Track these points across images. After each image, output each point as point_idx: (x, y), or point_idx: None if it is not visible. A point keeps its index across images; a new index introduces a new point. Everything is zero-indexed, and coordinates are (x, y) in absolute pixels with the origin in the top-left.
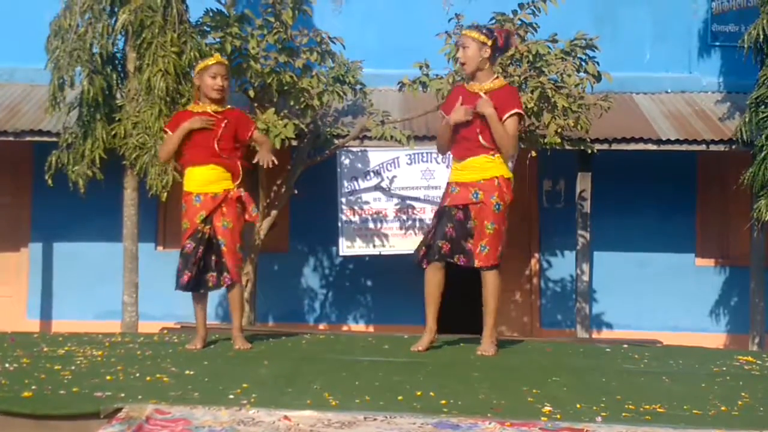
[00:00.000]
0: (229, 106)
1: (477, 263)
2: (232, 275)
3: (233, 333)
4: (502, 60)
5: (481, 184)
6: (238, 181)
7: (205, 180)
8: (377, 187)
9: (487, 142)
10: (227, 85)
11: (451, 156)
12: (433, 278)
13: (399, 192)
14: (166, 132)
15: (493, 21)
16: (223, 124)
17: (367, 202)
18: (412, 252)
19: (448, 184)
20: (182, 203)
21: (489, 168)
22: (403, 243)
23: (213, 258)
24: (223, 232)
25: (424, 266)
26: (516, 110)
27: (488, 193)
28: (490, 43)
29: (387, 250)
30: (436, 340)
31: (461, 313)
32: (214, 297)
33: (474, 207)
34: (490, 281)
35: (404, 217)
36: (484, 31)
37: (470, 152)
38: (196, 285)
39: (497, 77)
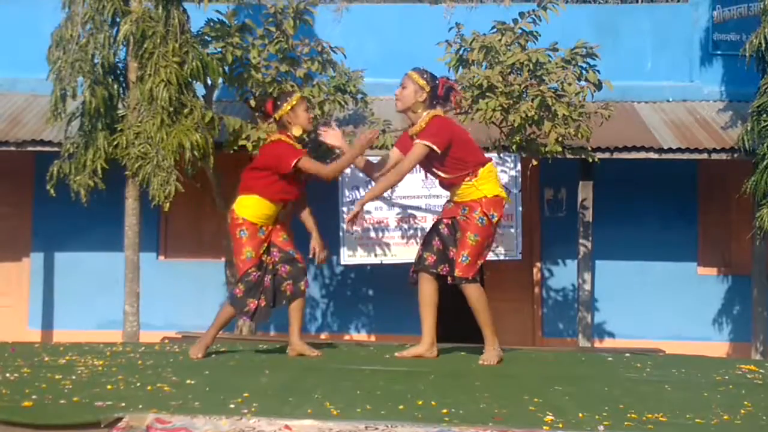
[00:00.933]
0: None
1: (457, 272)
2: (306, 280)
3: (298, 342)
4: (502, 69)
5: (468, 203)
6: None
7: (273, 215)
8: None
9: (450, 173)
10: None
11: None
12: (424, 288)
13: (400, 201)
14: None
15: (494, 30)
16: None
17: (368, 212)
18: (414, 262)
19: (447, 201)
20: (240, 229)
21: (471, 192)
22: (405, 252)
23: (286, 267)
24: (287, 243)
25: (413, 277)
26: (419, 141)
27: (473, 209)
28: (428, 89)
29: (389, 260)
30: (434, 354)
31: (462, 322)
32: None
33: (462, 221)
34: (471, 295)
35: (405, 226)
36: (425, 76)
37: (449, 188)
38: (268, 310)
39: (427, 113)
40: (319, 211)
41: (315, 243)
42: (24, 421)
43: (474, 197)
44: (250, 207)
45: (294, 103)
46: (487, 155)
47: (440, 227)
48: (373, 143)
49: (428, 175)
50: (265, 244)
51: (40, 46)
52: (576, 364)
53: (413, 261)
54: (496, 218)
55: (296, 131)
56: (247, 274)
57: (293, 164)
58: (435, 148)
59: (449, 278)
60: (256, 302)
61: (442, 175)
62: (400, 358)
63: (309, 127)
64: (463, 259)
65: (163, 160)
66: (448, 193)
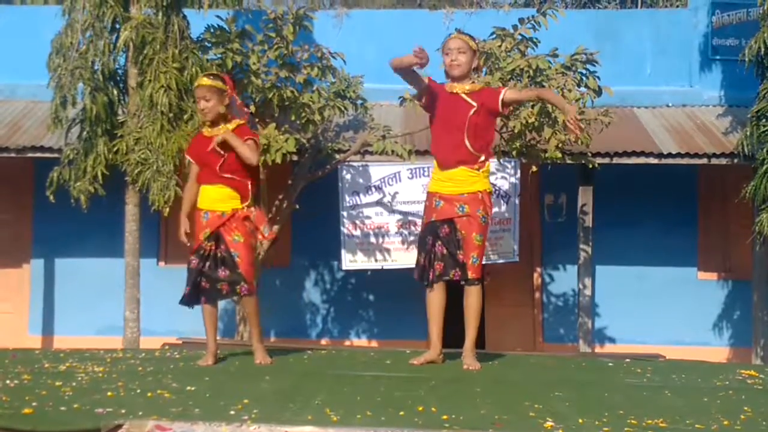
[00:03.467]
0: (237, 123)
1: (470, 274)
2: (249, 285)
3: (254, 346)
4: (502, 75)
5: (465, 198)
6: (247, 202)
7: (214, 198)
8: (379, 203)
9: (476, 149)
10: (213, 105)
11: (435, 161)
12: (435, 298)
13: (401, 208)
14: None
15: (494, 36)
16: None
17: (368, 217)
18: (414, 267)
19: (430, 194)
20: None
21: (473, 182)
22: (406, 257)
23: (225, 272)
24: (235, 245)
25: (425, 284)
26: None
27: (473, 207)
28: (478, 53)
29: (389, 265)
30: (441, 359)
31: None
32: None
33: (460, 220)
34: (476, 295)
35: (406, 231)
36: (475, 40)
37: (454, 161)
38: (197, 299)
39: (472, 81)
40: (319, 216)
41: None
42: (24, 428)
43: (472, 189)
44: (199, 194)
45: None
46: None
47: (439, 231)
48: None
49: (440, 136)
50: (208, 231)
51: (40, 53)
52: (576, 369)
53: (416, 270)
54: (491, 213)
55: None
56: (189, 262)
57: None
58: (505, 98)
59: (467, 275)
60: (189, 288)
61: (468, 147)
62: (416, 365)
63: (201, 119)
64: (474, 260)
65: (163, 166)
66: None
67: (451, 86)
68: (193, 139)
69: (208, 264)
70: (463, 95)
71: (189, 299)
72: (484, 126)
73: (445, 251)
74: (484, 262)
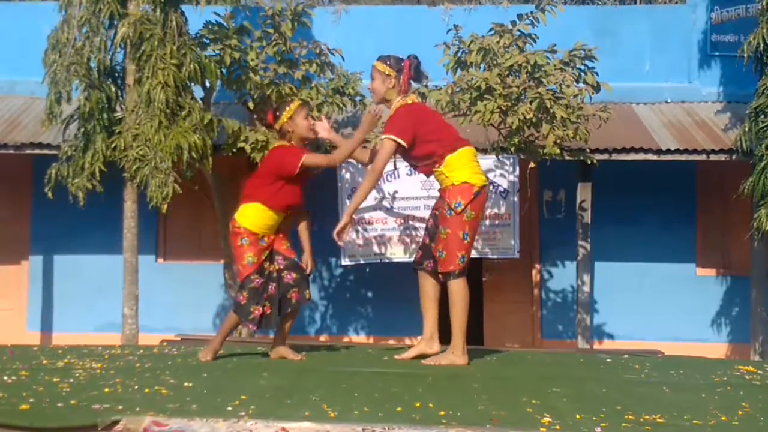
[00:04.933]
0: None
1: (439, 268)
2: (309, 288)
3: (283, 347)
4: (500, 71)
5: (442, 193)
6: None
7: (275, 225)
8: (378, 204)
9: (421, 162)
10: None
11: None
12: (421, 284)
13: (400, 204)
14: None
15: (492, 32)
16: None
17: (369, 223)
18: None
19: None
20: (241, 237)
21: (442, 180)
22: (404, 252)
23: (292, 275)
24: (292, 251)
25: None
26: (384, 136)
27: (442, 202)
28: (393, 74)
29: (389, 258)
30: (436, 349)
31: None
32: (212, 309)
33: (439, 214)
34: (452, 290)
35: (404, 227)
36: (389, 62)
37: (429, 176)
38: (273, 320)
39: (396, 101)
40: (317, 213)
41: (306, 258)
42: (22, 424)
43: (444, 185)
44: (252, 216)
45: (293, 111)
46: (485, 156)
47: (429, 221)
48: (377, 121)
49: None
50: (267, 252)
51: (38, 49)
52: (574, 365)
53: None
54: (461, 207)
55: (296, 140)
56: (249, 280)
57: (299, 164)
58: (401, 141)
59: (437, 268)
60: (261, 309)
61: (414, 164)
62: (400, 360)
63: (309, 135)
64: (440, 254)
65: (161, 162)
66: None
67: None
68: (295, 152)
69: (271, 285)
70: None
71: (268, 322)
72: (408, 158)
73: (426, 240)
74: (482, 258)
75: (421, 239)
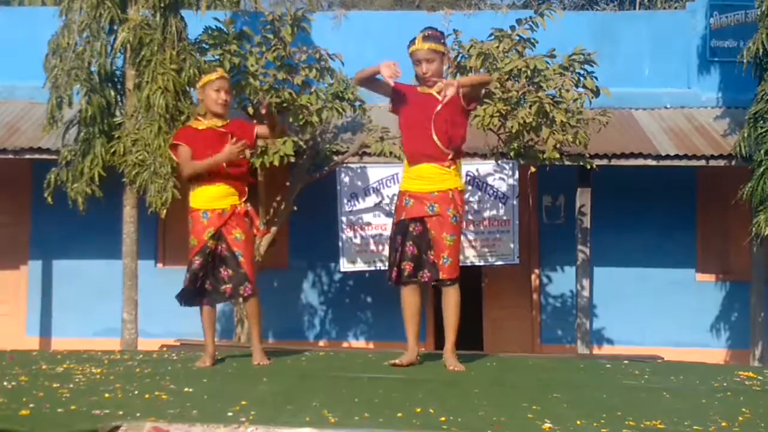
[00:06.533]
0: (229, 120)
1: (441, 275)
2: (252, 285)
3: (253, 346)
4: (500, 75)
5: (436, 197)
6: (244, 197)
7: (212, 197)
8: (377, 207)
9: (444, 145)
10: (230, 99)
11: (406, 156)
12: (409, 299)
13: None
14: (175, 147)
15: (492, 37)
16: (229, 138)
17: (368, 223)
18: (390, 270)
19: (401, 193)
20: (189, 220)
21: (444, 180)
22: None
23: (228, 271)
24: (238, 243)
25: (395, 285)
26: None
27: (444, 206)
28: (447, 50)
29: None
30: (418, 360)
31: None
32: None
33: (430, 219)
34: (454, 296)
35: None
36: (443, 40)
37: (422, 155)
38: (199, 299)
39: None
40: (317, 218)
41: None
42: (21, 429)
43: (443, 187)
44: (191, 195)
45: (205, 81)
46: (484, 161)
47: (410, 229)
48: (236, 156)
49: (410, 132)
50: (211, 230)
51: (38, 54)
52: (574, 371)
53: (391, 268)
54: (462, 212)
55: (203, 113)
56: (190, 263)
57: (175, 143)
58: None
59: (438, 275)
60: (193, 288)
61: (438, 143)
62: (395, 365)
63: (216, 110)
64: (445, 261)
65: (160, 167)
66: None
67: (423, 88)
68: (183, 131)
69: (211, 264)
70: (434, 92)
71: (190, 299)
72: (452, 121)
73: (415, 251)
74: (481, 264)
75: (391, 247)
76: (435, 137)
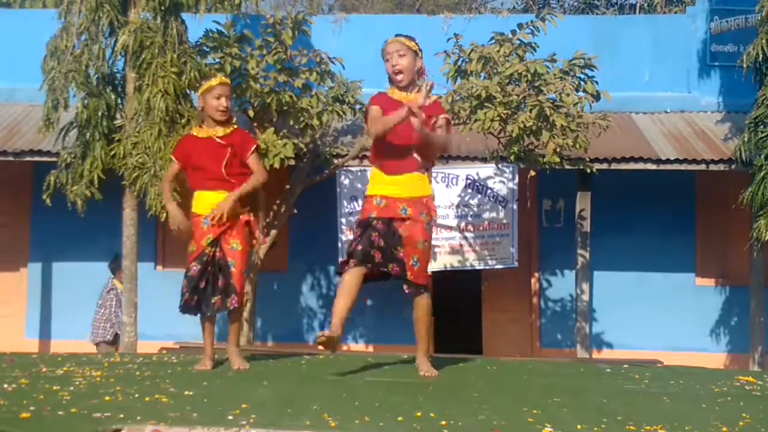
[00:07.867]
0: (234, 127)
1: (409, 275)
2: (239, 297)
3: (230, 351)
4: (500, 79)
5: (409, 201)
6: (247, 207)
7: (215, 203)
8: None
9: (421, 158)
10: (230, 106)
11: (379, 169)
12: (352, 279)
13: None
14: (172, 160)
15: (493, 41)
16: (229, 150)
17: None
18: (349, 254)
19: (370, 197)
20: (192, 223)
21: (419, 187)
22: None
23: (220, 280)
24: (233, 253)
25: (344, 270)
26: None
27: (417, 210)
28: (420, 54)
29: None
30: (339, 344)
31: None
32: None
33: (402, 223)
34: (425, 304)
35: None
36: (414, 39)
37: (404, 168)
38: (199, 308)
39: (418, 88)
40: (317, 221)
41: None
42: None
43: (420, 194)
44: (193, 200)
45: (205, 88)
46: (484, 165)
47: (375, 224)
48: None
49: (387, 148)
50: (210, 236)
51: (39, 57)
52: (574, 375)
53: (346, 259)
54: (435, 218)
55: (206, 122)
56: (188, 269)
57: (172, 157)
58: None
59: (405, 288)
60: (194, 297)
61: (415, 156)
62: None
63: (217, 118)
64: (414, 263)
65: (160, 170)
66: (365, 197)
67: (393, 92)
68: (183, 141)
69: (209, 270)
70: (411, 98)
71: (191, 307)
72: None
73: (382, 243)
74: (481, 267)
75: (356, 236)
76: (415, 154)
